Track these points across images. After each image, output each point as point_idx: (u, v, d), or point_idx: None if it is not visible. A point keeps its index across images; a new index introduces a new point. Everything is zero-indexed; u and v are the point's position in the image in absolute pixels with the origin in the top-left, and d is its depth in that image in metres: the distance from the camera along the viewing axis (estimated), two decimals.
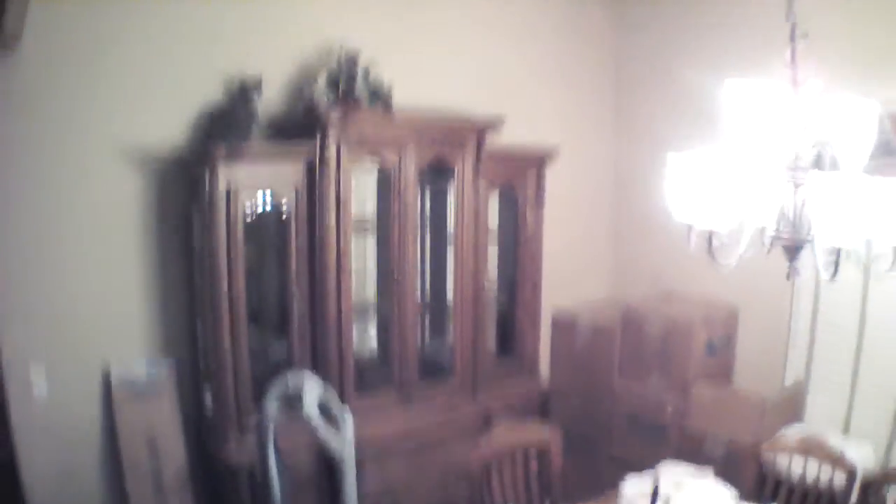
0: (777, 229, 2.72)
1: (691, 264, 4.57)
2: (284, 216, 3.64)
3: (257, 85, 3.63)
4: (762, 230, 2.81)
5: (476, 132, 4.01)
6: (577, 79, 5.14)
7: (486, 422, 4.05)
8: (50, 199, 3.51)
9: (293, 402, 3.21)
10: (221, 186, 3.39)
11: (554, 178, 4.45)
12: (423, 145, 3.87)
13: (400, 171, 3.82)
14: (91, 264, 3.64)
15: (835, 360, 4.19)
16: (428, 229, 4.21)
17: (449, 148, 3.97)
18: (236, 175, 3.41)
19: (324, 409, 3.25)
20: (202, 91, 3.73)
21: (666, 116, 4.74)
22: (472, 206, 4.08)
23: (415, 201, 3.91)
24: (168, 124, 3.70)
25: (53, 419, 3.59)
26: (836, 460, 3.34)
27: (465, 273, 4.12)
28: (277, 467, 3.21)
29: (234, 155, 3.39)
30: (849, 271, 3.91)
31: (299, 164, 3.58)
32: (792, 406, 4.21)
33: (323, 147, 3.56)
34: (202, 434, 3.86)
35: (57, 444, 3.61)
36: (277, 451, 3.22)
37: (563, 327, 4.77)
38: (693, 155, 2.81)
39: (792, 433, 3.74)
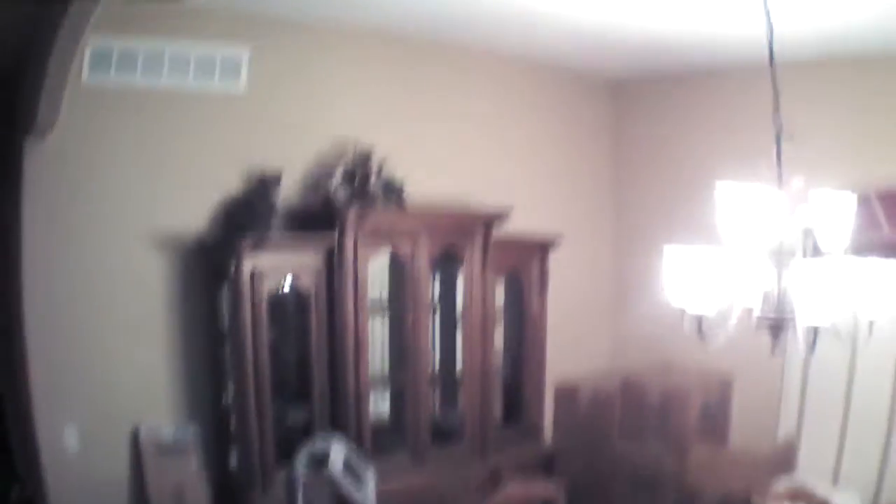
0: (762, 311, 3.04)
1: (687, 338, 4.93)
2: (305, 300, 3.93)
3: (277, 179, 3.93)
4: (750, 311, 3.14)
5: (484, 223, 4.35)
6: (579, 170, 5.53)
7: (495, 481, 4.29)
8: (82, 275, 3.77)
9: (320, 461, 3.52)
10: (246, 273, 3.68)
11: (556, 260, 4.75)
12: (434, 236, 4.20)
13: (413, 260, 4.15)
14: (122, 337, 3.89)
15: (824, 417, 4.55)
16: (438, 309, 4.50)
17: (459, 238, 4.31)
18: (260, 262, 3.71)
19: (348, 468, 3.57)
20: (225, 182, 4.02)
21: (662, 200, 5.13)
22: (480, 291, 4.42)
23: (426, 287, 4.24)
24: (193, 212, 3.98)
25: (84, 475, 3.80)
26: None
27: (473, 350, 4.44)
28: None
29: (258, 245, 3.70)
30: (834, 340, 4.26)
31: (319, 254, 3.89)
32: (784, 460, 4.49)
33: (341, 241, 3.88)
34: (227, 492, 4.08)
35: (88, 495, 3.81)
36: None
37: (566, 396, 5.07)
38: (687, 248, 3.15)
39: (782, 484, 4.02)
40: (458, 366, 4.57)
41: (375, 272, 4.20)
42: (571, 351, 5.22)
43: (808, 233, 2.97)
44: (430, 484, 4.22)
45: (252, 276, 3.71)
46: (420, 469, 4.25)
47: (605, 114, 5.65)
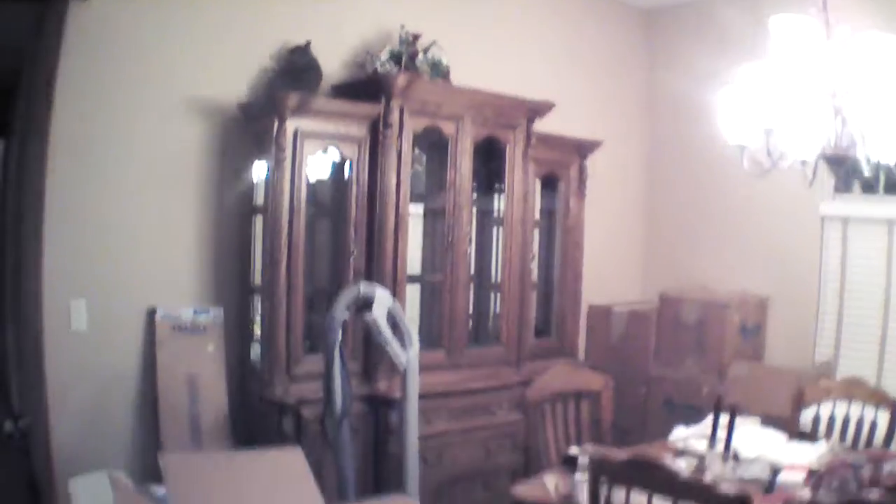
0: (823, 147, 3.15)
1: (721, 262, 5.01)
2: (346, 173, 3.90)
3: (307, 47, 3.94)
4: (804, 163, 3.24)
5: (527, 114, 4.36)
6: (614, 85, 5.62)
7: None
8: (112, 142, 3.71)
9: (362, 308, 3.37)
10: (289, 133, 3.64)
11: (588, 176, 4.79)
12: (478, 121, 4.18)
13: (457, 142, 4.12)
14: (146, 209, 3.82)
15: (862, 339, 4.54)
16: (475, 209, 4.44)
17: (501, 127, 4.29)
18: (304, 125, 3.68)
19: (392, 323, 3.39)
20: (265, 55, 4.03)
21: (696, 114, 5.14)
22: (522, 186, 4.38)
23: (469, 172, 4.18)
24: (233, 80, 3.99)
25: (90, 355, 3.68)
26: (879, 397, 3.61)
27: (513, 250, 4.38)
28: (342, 374, 3.31)
29: (302, 106, 3.65)
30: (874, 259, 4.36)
31: (363, 124, 3.86)
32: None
33: (387, 110, 3.85)
34: (246, 382, 3.97)
35: (91, 380, 3.69)
36: (343, 359, 3.34)
37: (600, 316, 5.02)
38: (746, 86, 3.26)
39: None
40: (495, 269, 4.55)
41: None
42: (603, 276, 5.21)
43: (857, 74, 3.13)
44: (463, 388, 4.12)
45: (295, 137, 3.66)
46: (455, 370, 4.15)
47: (640, 35, 5.78)
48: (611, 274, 5.39)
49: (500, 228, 4.48)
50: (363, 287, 3.35)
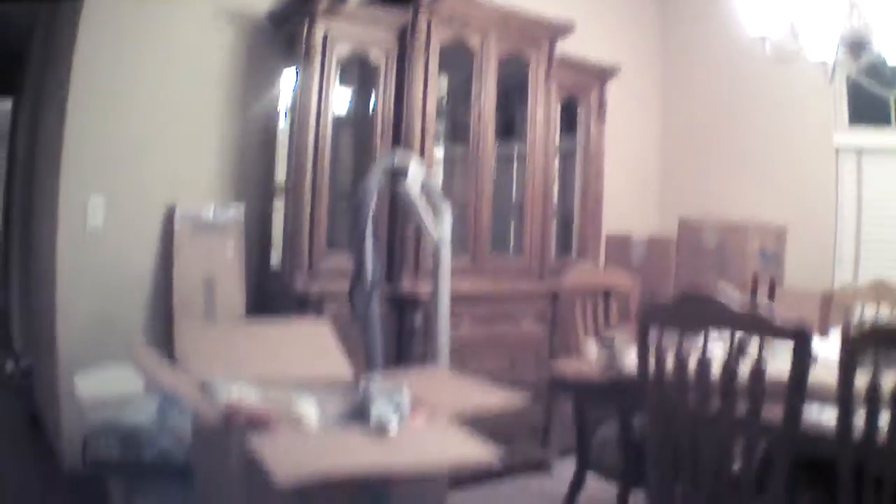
0: (842, 33, 3.24)
1: (737, 194, 5.04)
2: (373, 80, 3.94)
3: None
4: (824, 64, 3.34)
5: (550, 33, 4.40)
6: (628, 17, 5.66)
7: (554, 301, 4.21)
8: (138, 43, 3.77)
9: (396, 179, 3.30)
10: (318, 36, 3.69)
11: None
12: (503, 38, 4.22)
13: (482, 57, 4.16)
14: (170, 107, 3.86)
15: (880, 267, 4.51)
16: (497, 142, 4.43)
17: (525, 46, 4.34)
18: (333, 28, 3.73)
19: (426, 195, 3.31)
20: None
21: (714, 36, 5.22)
22: (544, 107, 4.42)
23: (494, 91, 4.21)
24: None
25: (105, 253, 3.67)
26: None
27: (536, 171, 4.40)
28: (373, 245, 3.18)
29: (333, 9, 3.70)
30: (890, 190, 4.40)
31: (391, 32, 3.90)
32: None
33: (415, 19, 3.89)
34: (264, 284, 3.95)
35: (105, 280, 3.66)
36: (375, 230, 3.23)
37: (619, 245, 5.01)
38: None
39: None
40: (517, 193, 4.59)
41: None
42: (622, 206, 5.23)
43: None
44: (487, 293, 4.11)
45: (324, 40, 3.70)
46: (479, 275, 4.13)
47: None
48: (628, 205, 5.40)
49: (522, 158, 4.49)
50: (398, 156, 3.32)
